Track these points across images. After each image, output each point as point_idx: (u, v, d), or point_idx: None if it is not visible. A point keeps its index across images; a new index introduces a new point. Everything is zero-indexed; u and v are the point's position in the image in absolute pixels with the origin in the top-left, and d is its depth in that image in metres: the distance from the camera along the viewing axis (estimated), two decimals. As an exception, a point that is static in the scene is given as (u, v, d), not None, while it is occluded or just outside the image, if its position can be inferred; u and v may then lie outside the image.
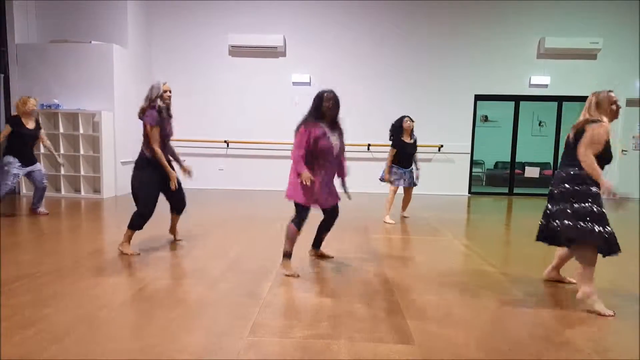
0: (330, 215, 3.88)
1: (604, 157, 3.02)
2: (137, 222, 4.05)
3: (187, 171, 4.35)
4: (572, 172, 3.06)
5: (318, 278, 3.56)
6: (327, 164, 3.58)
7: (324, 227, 3.99)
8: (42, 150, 7.65)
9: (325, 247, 4.23)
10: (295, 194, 3.53)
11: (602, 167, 3.00)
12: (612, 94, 3.10)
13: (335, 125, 3.62)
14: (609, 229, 2.97)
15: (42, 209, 6.02)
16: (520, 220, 6.79)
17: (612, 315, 2.88)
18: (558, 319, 2.78)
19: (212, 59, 9.33)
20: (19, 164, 5.74)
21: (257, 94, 9.37)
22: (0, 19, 7.95)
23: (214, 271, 3.61)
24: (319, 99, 3.55)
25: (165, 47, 9.33)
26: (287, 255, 3.64)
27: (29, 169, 5.86)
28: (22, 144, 5.76)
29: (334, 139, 3.57)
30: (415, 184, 6.28)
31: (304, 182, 3.42)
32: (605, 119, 3.06)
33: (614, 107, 3.09)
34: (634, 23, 9.04)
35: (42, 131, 6.02)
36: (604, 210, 2.99)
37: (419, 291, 3.26)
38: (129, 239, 4.12)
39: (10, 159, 5.71)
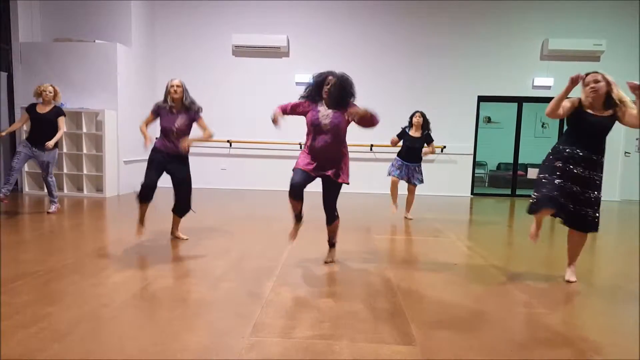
0: (323, 194, 3.76)
1: (570, 127, 3.44)
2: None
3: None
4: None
5: (320, 278, 3.55)
6: (317, 138, 3.55)
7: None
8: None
9: (324, 247, 4.24)
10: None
11: (573, 135, 3.37)
12: (591, 76, 3.34)
13: (338, 107, 3.54)
14: (546, 191, 3.27)
15: (52, 207, 5.96)
16: (522, 221, 6.77)
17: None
18: (560, 320, 2.77)
19: (215, 59, 9.35)
20: (28, 144, 5.84)
21: (260, 94, 9.38)
22: (5, 17, 7.98)
23: (216, 270, 3.61)
24: (320, 83, 3.59)
25: (169, 46, 9.35)
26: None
27: (34, 153, 5.83)
28: (36, 129, 5.87)
29: (324, 116, 3.53)
30: (414, 183, 6.15)
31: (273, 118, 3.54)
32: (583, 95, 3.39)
33: (586, 90, 3.35)
34: (637, 25, 9.02)
35: (61, 118, 5.92)
36: (551, 181, 3.29)
37: (421, 292, 3.25)
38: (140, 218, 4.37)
39: (23, 141, 5.94)
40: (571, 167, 3.27)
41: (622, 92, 3.31)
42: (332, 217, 3.81)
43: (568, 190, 3.26)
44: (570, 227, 3.45)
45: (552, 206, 3.22)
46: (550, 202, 3.21)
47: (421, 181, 6.22)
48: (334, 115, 3.53)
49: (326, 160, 3.56)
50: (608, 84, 3.31)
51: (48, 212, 5.93)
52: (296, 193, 3.54)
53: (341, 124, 3.54)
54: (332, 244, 4.00)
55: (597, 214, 3.33)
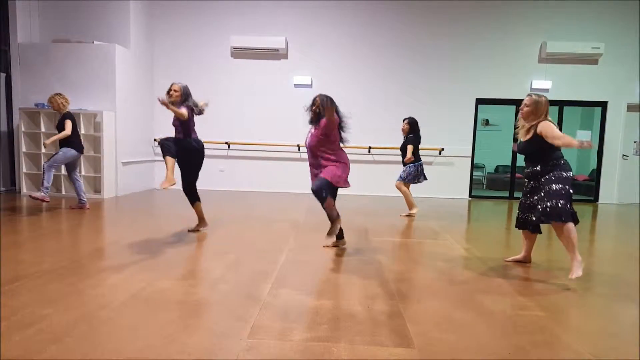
0: None
1: None
2: None
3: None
4: None
5: (318, 280, 3.56)
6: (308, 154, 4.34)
7: None
8: (42, 149, 7.69)
9: (323, 249, 4.29)
10: None
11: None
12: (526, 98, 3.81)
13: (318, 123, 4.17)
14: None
15: (38, 193, 6.09)
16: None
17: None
18: (558, 323, 2.78)
19: (214, 61, 9.36)
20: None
21: (259, 96, 9.39)
22: (3, 18, 7.98)
23: (214, 272, 3.61)
24: (312, 103, 4.20)
25: (168, 48, 9.35)
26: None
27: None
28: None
29: (308, 136, 4.25)
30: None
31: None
32: None
33: None
34: (635, 28, 9.06)
35: (67, 121, 6.25)
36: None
37: (419, 294, 3.26)
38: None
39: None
40: (526, 182, 3.98)
41: (545, 125, 3.64)
42: (320, 199, 4.14)
43: (528, 203, 3.91)
44: (533, 231, 4.01)
45: (517, 226, 4.11)
46: (517, 222, 4.09)
47: (400, 177, 6.66)
48: (310, 134, 4.22)
49: (313, 173, 4.33)
50: (534, 112, 3.74)
51: (30, 196, 6.11)
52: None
53: (312, 142, 4.17)
54: (330, 231, 4.14)
55: (547, 205, 3.63)
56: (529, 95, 3.82)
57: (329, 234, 4.12)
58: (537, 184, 3.79)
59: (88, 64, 7.88)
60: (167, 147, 4.61)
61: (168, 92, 4.71)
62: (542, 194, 3.69)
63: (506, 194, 9.96)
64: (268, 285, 3.32)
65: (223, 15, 9.27)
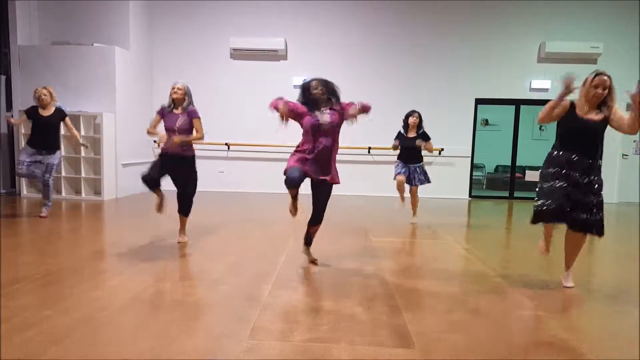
0: (315, 197, 3.81)
1: (562, 132, 3.38)
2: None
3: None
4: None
5: (318, 281, 3.55)
6: (312, 140, 3.67)
7: (312, 217, 3.91)
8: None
9: (322, 250, 4.25)
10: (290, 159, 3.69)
11: (566, 140, 3.33)
12: (597, 78, 3.23)
13: (329, 105, 3.73)
14: (550, 202, 3.22)
15: (45, 211, 5.85)
16: (520, 224, 6.78)
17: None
18: (560, 323, 2.78)
19: (213, 62, 9.36)
20: (32, 150, 5.80)
21: (258, 97, 9.36)
22: (3, 20, 7.98)
23: (213, 273, 3.61)
24: (306, 90, 3.78)
25: (167, 49, 9.35)
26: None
27: (40, 157, 5.82)
28: (40, 133, 5.86)
29: (323, 117, 3.67)
30: (415, 184, 6.04)
31: (278, 108, 3.73)
32: (582, 97, 3.33)
33: (591, 90, 3.25)
34: (634, 28, 9.05)
35: (67, 119, 6.02)
36: (552, 188, 3.24)
37: (420, 295, 3.26)
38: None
39: (25, 147, 5.91)
40: (569, 172, 3.24)
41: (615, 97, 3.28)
42: (321, 218, 3.87)
43: (569, 194, 3.20)
44: (572, 230, 3.33)
45: (556, 220, 3.30)
46: (554, 216, 3.25)
47: (423, 181, 6.05)
48: (332, 116, 3.70)
49: (324, 161, 3.68)
50: (611, 89, 3.26)
51: (40, 216, 5.83)
52: (294, 186, 3.64)
53: (338, 125, 3.74)
54: (310, 242, 4.04)
55: (600, 217, 3.23)
56: (600, 74, 3.25)
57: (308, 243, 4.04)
58: (585, 179, 3.22)
59: (88, 65, 7.88)
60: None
61: (170, 94, 4.44)
62: (595, 202, 3.22)
63: (506, 194, 9.96)
64: (268, 286, 3.32)
65: (222, 16, 9.28)
